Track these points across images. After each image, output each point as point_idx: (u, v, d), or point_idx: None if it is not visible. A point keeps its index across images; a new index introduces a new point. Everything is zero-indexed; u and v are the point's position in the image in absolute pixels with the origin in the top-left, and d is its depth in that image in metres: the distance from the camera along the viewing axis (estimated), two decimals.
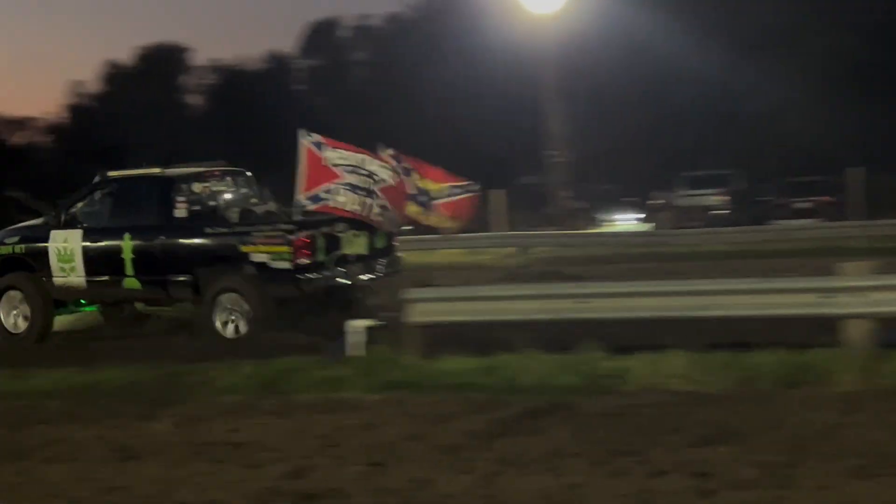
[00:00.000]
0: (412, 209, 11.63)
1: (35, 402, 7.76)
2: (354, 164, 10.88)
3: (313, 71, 52.41)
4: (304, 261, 10.71)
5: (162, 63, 52.96)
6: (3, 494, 5.25)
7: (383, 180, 10.99)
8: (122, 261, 11.62)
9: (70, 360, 9.42)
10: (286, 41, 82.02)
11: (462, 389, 7.52)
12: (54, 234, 12.06)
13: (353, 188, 10.70)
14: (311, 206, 10.65)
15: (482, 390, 7.49)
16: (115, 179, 12.43)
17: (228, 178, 12.35)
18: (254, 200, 12.01)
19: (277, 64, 53.19)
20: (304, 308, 11.05)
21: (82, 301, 12.90)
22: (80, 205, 12.24)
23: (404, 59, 44.00)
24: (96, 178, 12.45)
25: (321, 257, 10.93)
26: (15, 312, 12.13)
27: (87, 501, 5.14)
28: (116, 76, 53.88)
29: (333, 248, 11.19)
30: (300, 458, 5.82)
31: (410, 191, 11.50)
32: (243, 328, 10.78)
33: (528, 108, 31.94)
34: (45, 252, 12.06)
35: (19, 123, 60.01)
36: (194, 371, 8.48)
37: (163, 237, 11.46)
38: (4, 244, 12.48)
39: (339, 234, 11.29)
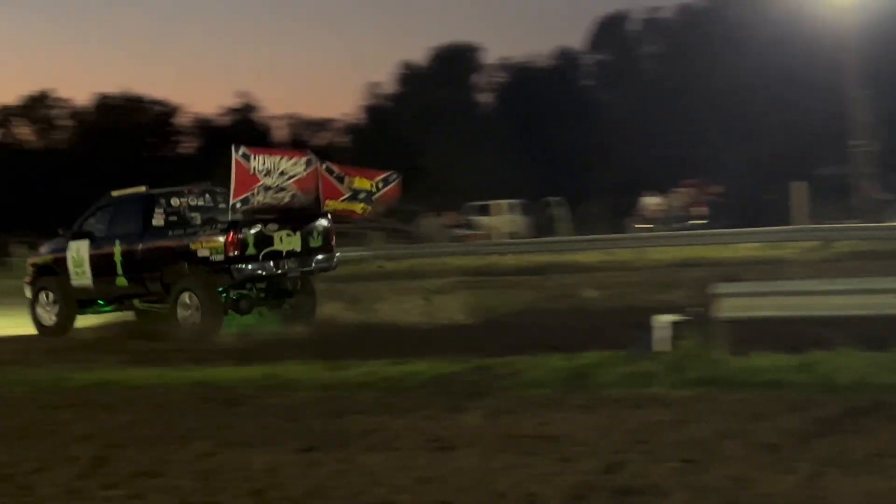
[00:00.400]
0: (358, 206, 14.25)
1: (349, 393, 8.11)
2: (269, 167, 13.22)
3: (602, 66, 52.27)
4: (234, 253, 12.89)
5: (454, 63, 54.32)
6: (329, 480, 5.50)
7: (295, 174, 13.43)
8: (114, 263, 14.02)
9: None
10: (574, 37, 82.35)
11: (774, 387, 7.25)
12: (70, 244, 14.63)
13: (266, 188, 13.09)
14: (242, 208, 13.02)
15: (796, 388, 7.19)
16: (115, 198, 14.84)
17: (206, 194, 14.44)
18: (223, 209, 13.76)
19: (566, 60, 53.38)
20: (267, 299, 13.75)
21: (100, 301, 14.85)
22: (89, 220, 14.79)
23: (696, 50, 43.06)
24: (103, 198, 14.99)
25: (251, 251, 13.05)
26: (48, 309, 14.77)
27: (407, 490, 5.29)
28: (410, 77, 55.80)
29: (265, 245, 13.23)
30: (611, 454, 5.75)
31: (346, 193, 13.98)
32: (197, 317, 13.07)
33: (827, 96, 30.55)
34: (64, 259, 14.65)
35: (320, 125, 63.60)
36: (501, 365, 8.62)
37: (142, 242, 13.82)
38: (40, 255, 15.59)
39: (271, 233, 13.34)
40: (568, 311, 14.25)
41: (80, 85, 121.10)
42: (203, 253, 13.23)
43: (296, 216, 13.80)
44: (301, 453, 6.09)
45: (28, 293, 15.18)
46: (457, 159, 44.97)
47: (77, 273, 14.59)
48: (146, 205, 14.25)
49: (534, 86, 50.21)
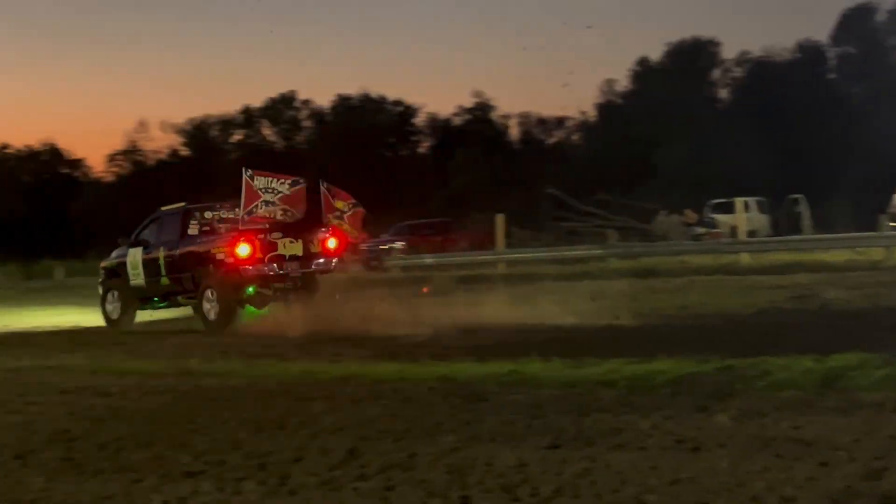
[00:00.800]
0: (339, 223, 17.17)
1: (591, 391, 8.05)
2: (265, 186, 16.27)
3: (847, 59, 50.00)
4: (242, 256, 15.92)
5: (691, 58, 53.39)
6: (576, 478, 5.49)
7: (282, 192, 16.41)
8: (160, 266, 17.28)
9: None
10: (814, 30, 79.18)
11: None
12: (129, 251, 17.98)
13: (266, 203, 16.17)
14: (248, 219, 16.16)
15: None
16: (163, 212, 18.11)
17: (235, 208, 16.85)
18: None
19: (808, 53, 51.40)
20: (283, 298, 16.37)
21: (155, 298, 17.86)
22: (144, 230, 18.14)
23: None
24: (155, 213, 18.25)
25: (258, 255, 15.99)
26: (113, 305, 18.11)
27: (657, 490, 5.21)
28: (646, 73, 55.21)
29: (270, 250, 16.22)
30: (872, 459, 5.46)
31: (334, 211, 17.17)
32: (216, 310, 16.09)
33: None
34: (124, 264, 18.00)
35: (555, 123, 63.89)
36: (748, 365, 8.37)
37: (179, 248, 17.02)
38: (109, 260, 18.91)
39: (276, 241, 16.33)
40: (812, 312, 13.73)
41: (320, 87, 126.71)
42: (220, 256, 16.22)
43: (298, 227, 16.83)
44: (547, 450, 6.09)
45: (100, 291, 18.66)
46: (694, 156, 44.22)
47: (133, 275, 17.88)
48: (184, 217, 17.50)
49: (774, 80, 48.59)
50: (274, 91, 69.47)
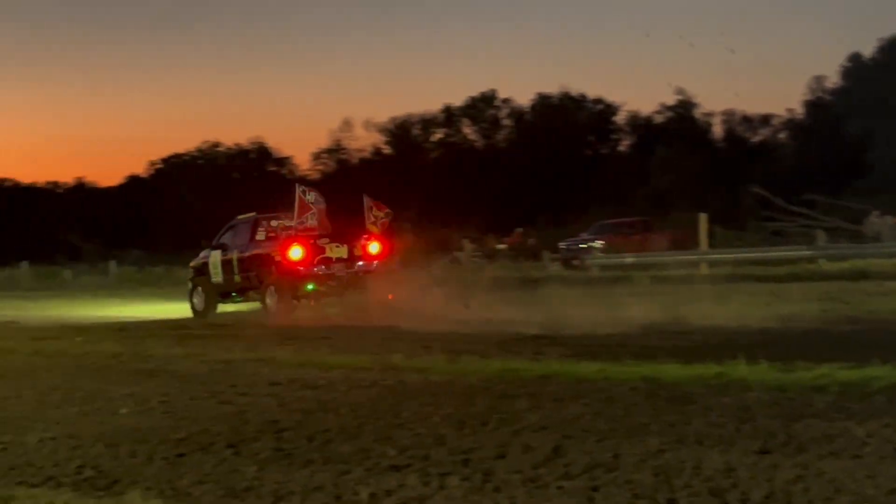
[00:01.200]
0: (374, 228, 19.95)
1: (802, 396, 7.74)
2: (314, 200, 19.37)
3: None
4: (296, 258, 18.77)
5: None
6: (788, 485, 5.27)
7: (320, 204, 19.51)
8: (233, 265, 20.43)
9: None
10: None
11: None
12: (211, 253, 21.10)
13: (314, 215, 19.17)
14: (300, 227, 19.12)
15: None
16: (238, 220, 21.28)
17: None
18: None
19: None
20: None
21: (233, 294, 20.92)
22: (223, 235, 21.28)
23: None
24: (232, 220, 21.45)
25: (308, 258, 18.85)
26: (199, 299, 21.22)
27: (874, 500, 4.96)
28: (858, 70, 52.93)
29: (319, 253, 19.00)
30: None
31: (373, 219, 19.94)
32: (276, 303, 18.95)
33: None
34: (207, 264, 21.03)
35: (761, 121, 61.99)
36: None
37: (248, 251, 20.15)
38: (196, 260, 21.89)
39: (324, 245, 19.14)
40: None
41: (520, 85, 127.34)
42: (278, 258, 19.09)
43: (344, 233, 19.77)
44: (757, 455, 5.90)
45: (189, 287, 21.93)
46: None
47: (214, 273, 20.90)
48: (254, 225, 20.55)
49: None
50: (474, 90, 70.57)
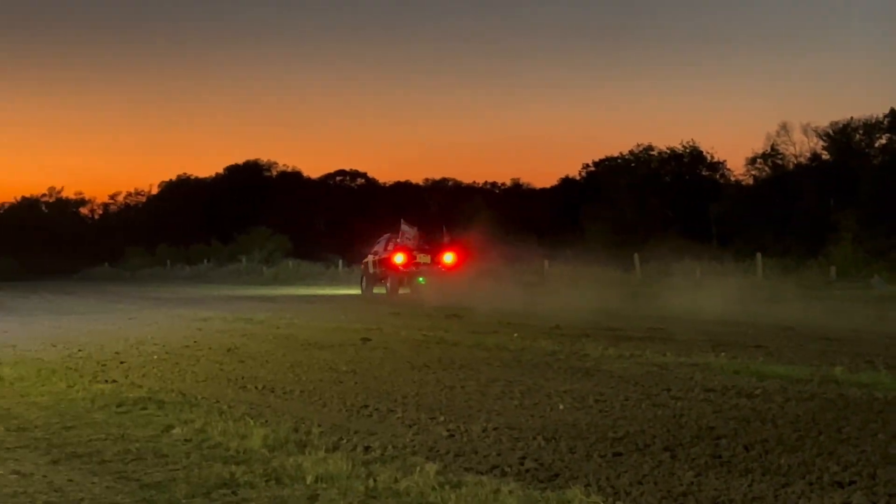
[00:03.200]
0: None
1: None
2: (406, 229, 34.44)
3: None
4: (402, 261, 33.73)
5: None
6: None
7: (411, 234, 34.62)
8: (378, 264, 35.33)
9: None
10: None
11: None
12: (370, 256, 35.84)
13: (410, 236, 34.39)
14: (403, 243, 34.08)
15: None
16: (383, 236, 36.19)
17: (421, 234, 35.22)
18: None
19: None
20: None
21: (381, 281, 34.93)
22: (377, 244, 35.99)
23: None
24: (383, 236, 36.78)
25: (406, 261, 33.49)
26: (364, 284, 36.29)
27: None
28: None
29: (413, 259, 33.55)
30: None
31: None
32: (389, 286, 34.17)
33: None
34: (368, 262, 36.13)
35: None
36: None
37: (382, 255, 34.67)
38: (365, 259, 36.95)
39: (416, 254, 33.64)
40: None
41: None
42: (395, 261, 33.78)
43: (428, 247, 34.31)
44: None
45: (360, 276, 37.37)
46: None
47: (371, 268, 35.57)
48: (388, 240, 35.10)
49: None
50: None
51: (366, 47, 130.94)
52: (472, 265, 34.22)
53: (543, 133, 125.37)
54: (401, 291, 33.83)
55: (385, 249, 34.79)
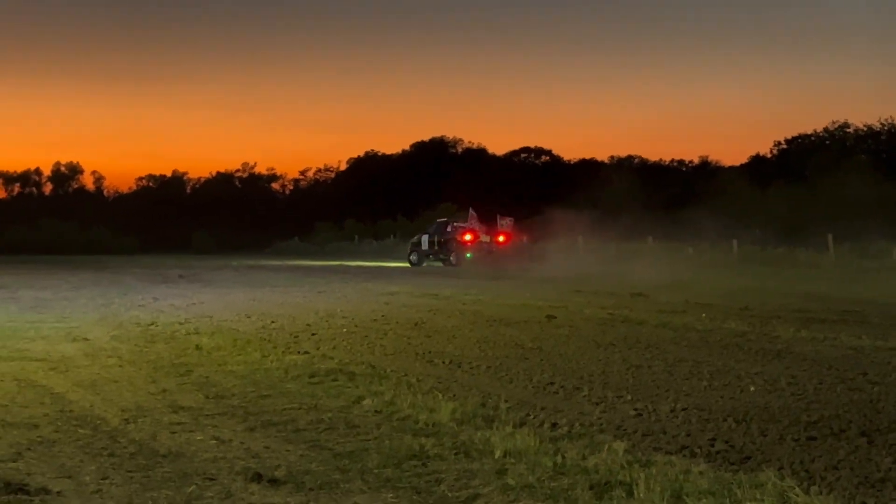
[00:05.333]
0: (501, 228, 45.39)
1: None
2: (473, 214, 44.89)
3: None
4: (467, 240, 43.78)
5: None
6: None
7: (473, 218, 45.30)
8: (434, 243, 44.48)
9: None
10: None
11: None
12: (422, 236, 45.54)
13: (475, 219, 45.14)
14: (470, 225, 44.56)
15: None
16: (437, 222, 47.14)
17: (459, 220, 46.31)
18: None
19: None
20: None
21: (430, 256, 44.34)
22: (428, 228, 46.74)
23: None
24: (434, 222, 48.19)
25: (471, 239, 43.79)
26: (415, 257, 44.32)
27: None
28: None
29: (476, 238, 43.74)
30: None
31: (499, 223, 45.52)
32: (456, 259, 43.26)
33: None
34: (421, 240, 45.31)
35: None
36: None
37: (444, 237, 44.86)
38: (414, 238, 46.71)
39: (479, 234, 44.09)
40: None
41: None
42: (465, 239, 43.33)
43: (488, 228, 44.45)
44: None
45: (409, 251, 45.25)
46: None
47: (423, 245, 44.33)
48: (445, 224, 45.03)
49: None
50: None
51: (553, 23, 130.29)
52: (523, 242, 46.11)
53: (732, 110, 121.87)
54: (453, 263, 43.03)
55: (445, 231, 44.22)
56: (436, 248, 44.09)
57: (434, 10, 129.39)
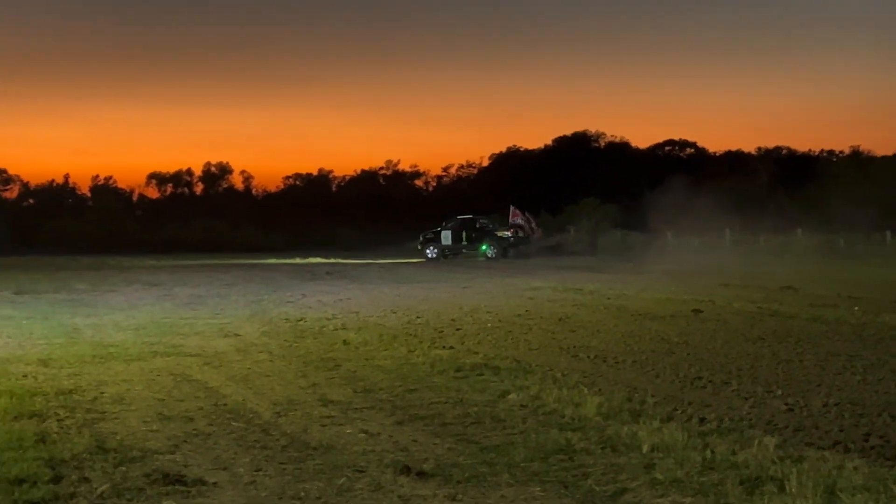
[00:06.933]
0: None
1: None
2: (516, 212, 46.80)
3: None
4: (505, 234, 45.35)
5: None
6: None
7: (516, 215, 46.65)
8: (461, 236, 45.66)
9: None
10: None
11: None
12: (441, 231, 46.57)
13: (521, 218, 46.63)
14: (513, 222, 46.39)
15: None
16: (458, 217, 46.92)
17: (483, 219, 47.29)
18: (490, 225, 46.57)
19: None
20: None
21: (447, 251, 45.59)
22: (448, 224, 46.72)
23: None
24: (452, 218, 47.84)
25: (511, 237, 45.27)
26: (430, 251, 45.96)
27: None
28: None
29: (518, 234, 45.67)
30: None
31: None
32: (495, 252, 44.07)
33: None
34: (440, 234, 46.62)
35: None
36: None
37: (474, 234, 45.96)
38: (426, 233, 47.48)
39: (520, 232, 45.68)
40: None
41: None
42: (500, 234, 44.82)
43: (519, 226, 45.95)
44: None
45: (420, 246, 46.32)
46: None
47: (444, 240, 45.40)
48: (472, 220, 46.26)
49: None
50: None
51: (696, 12, 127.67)
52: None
53: (884, 98, 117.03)
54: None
55: (474, 227, 45.59)
56: (464, 242, 45.14)
57: (574, 4, 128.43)
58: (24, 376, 9.59)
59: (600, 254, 43.75)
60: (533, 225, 47.11)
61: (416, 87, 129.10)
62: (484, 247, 44.43)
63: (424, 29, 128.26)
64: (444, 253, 45.39)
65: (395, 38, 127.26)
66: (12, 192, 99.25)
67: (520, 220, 46.08)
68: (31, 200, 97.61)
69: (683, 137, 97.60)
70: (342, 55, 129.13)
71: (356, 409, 7.84)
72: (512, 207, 47.01)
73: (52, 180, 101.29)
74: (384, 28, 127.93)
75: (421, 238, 47.11)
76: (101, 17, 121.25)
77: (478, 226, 45.79)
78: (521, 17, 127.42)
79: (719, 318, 14.38)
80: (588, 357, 10.61)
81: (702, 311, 15.16)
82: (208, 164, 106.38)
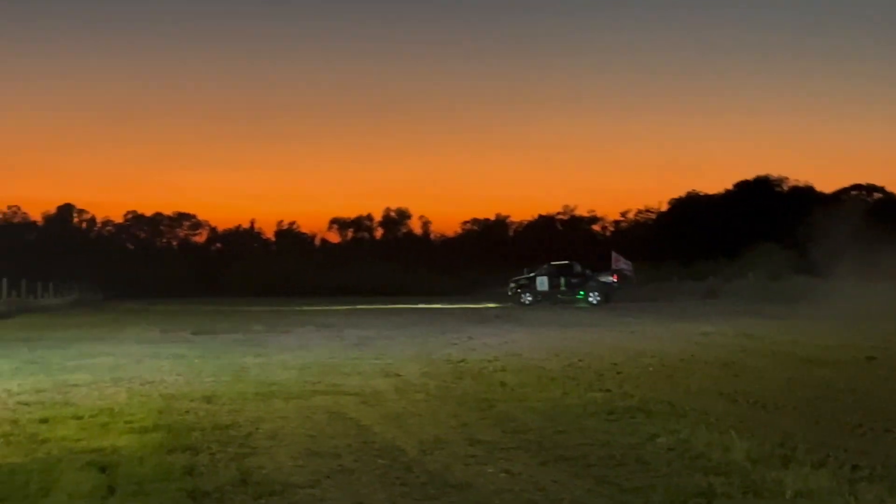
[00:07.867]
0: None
1: None
2: (617, 257, 48.44)
3: None
4: (609, 280, 46.73)
5: None
6: None
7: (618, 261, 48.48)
8: (560, 282, 46.70)
9: None
10: None
11: None
12: (537, 277, 47.29)
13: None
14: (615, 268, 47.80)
15: None
16: (553, 264, 48.07)
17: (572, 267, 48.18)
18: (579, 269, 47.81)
19: None
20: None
21: (539, 297, 46.23)
22: (542, 269, 47.79)
23: None
24: (546, 266, 49.01)
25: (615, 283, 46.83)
26: (525, 297, 46.61)
27: None
28: None
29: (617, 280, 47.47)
30: None
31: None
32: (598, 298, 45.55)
33: None
34: (535, 280, 47.30)
35: None
36: None
37: (574, 278, 47.05)
38: (519, 278, 48.04)
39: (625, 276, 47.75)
40: None
41: None
42: (603, 279, 46.19)
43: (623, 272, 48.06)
44: None
45: (512, 292, 47.49)
46: None
47: (540, 286, 46.15)
48: (569, 267, 46.85)
49: None
50: None
51: (876, 51, 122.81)
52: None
53: None
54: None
55: (574, 273, 46.43)
56: (562, 287, 45.58)
57: (751, 48, 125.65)
58: (187, 412, 10.01)
59: (776, 300, 42.27)
60: (630, 269, 48.29)
61: (593, 131, 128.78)
62: (582, 293, 45.40)
63: (605, 75, 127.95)
64: (538, 298, 45.48)
65: (569, 84, 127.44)
66: (201, 237, 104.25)
67: (622, 265, 47.54)
68: (218, 245, 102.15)
69: (871, 182, 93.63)
70: (519, 101, 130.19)
71: (502, 448, 7.86)
72: (614, 253, 48.56)
73: (239, 225, 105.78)
74: (563, 74, 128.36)
75: (512, 284, 47.27)
76: (289, 70, 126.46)
77: (576, 271, 46.52)
78: (701, 63, 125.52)
79: (893, 365, 13.71)
80: (746, 402, 10.30)
81: (875, 358, 14.50)
82: (388, 209, 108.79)
